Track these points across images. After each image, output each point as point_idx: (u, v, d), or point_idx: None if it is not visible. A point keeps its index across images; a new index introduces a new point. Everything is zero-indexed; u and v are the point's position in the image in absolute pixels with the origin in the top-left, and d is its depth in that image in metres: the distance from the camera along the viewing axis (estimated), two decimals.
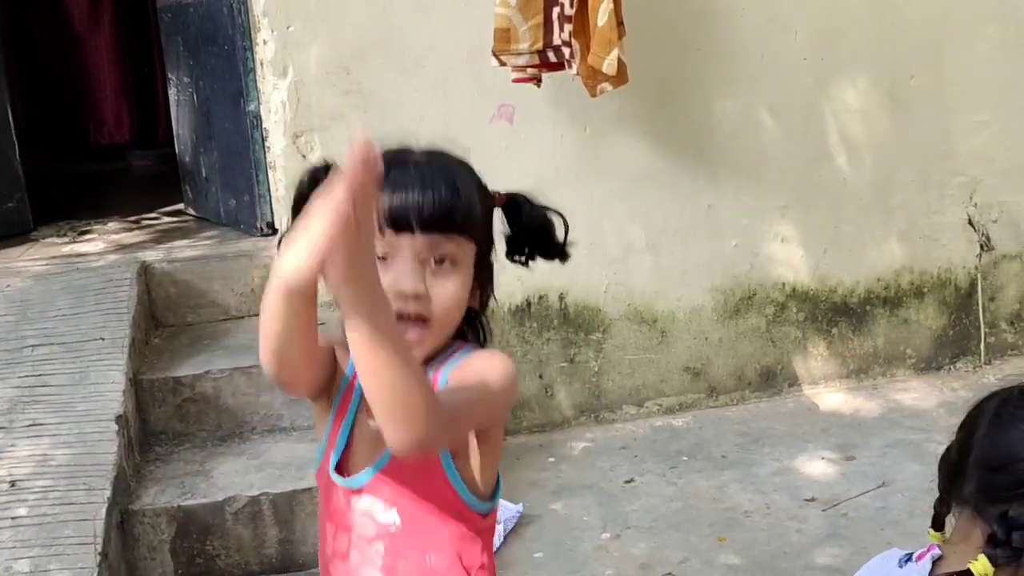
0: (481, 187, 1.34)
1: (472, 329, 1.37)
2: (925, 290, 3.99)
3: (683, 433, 3.66)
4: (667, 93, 3.60)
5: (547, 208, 1.40)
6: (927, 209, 3.93)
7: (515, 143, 3.51)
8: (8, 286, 3.30)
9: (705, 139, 3.69)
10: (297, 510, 2.73)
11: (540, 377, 3.68)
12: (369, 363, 1.05)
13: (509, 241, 1.41)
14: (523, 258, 1.41)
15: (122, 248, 3.78)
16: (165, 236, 3.97)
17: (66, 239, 3.97)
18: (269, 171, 3.55)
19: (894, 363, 4.00)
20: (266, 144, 3.52)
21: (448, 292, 1.25)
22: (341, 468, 1.33)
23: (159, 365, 3.14)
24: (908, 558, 1.34)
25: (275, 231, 3.61)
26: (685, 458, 3.46)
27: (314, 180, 1.26)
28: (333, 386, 1.35)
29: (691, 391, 3.83)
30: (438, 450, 1.24)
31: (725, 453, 3.47)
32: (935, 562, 1.31)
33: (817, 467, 3.32)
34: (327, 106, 3.39)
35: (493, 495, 1.34)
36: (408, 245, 1.23)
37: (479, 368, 1.26)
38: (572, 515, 3.09)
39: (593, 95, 3.11)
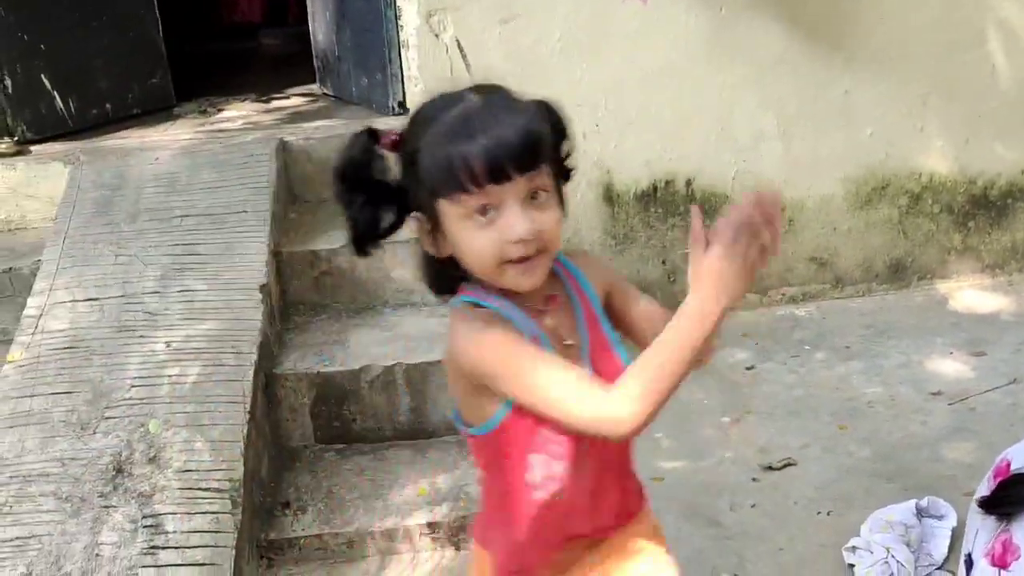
0: (537, 103, 1.31)
1: None
2: None
3: (806, 323, 3.64)
4: None
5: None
6: None
7: (646, 24, 3.45)
8: (157, 159, 3.45)
9: (843, 23, 3.56)
10: (428, 380, 2.84)
11: (663, 263, 3.69)
12: (693, 350, 1.20)
13: None
14: None
15: (259, 126, 3.90)
16: (299, 115, 4.06)
17: (206, 115, 4.11)
18: (402, 50, 3.57)
19: None
20: (399, 23, 3.54)
21: (552, 219, 1.28)
22: None
23: (297, 239, 3.26)
24: None
25: (407, 110, 3.66)
26: (808, 347, 3.45)
27: (366, 150, 1.31)
28: None
29: (816, 281, 3.80)
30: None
31: (849, 344, 3.45)
32: None
33: (945, 362, 3.28)
34: None
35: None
36: (511, 192, 1.24)
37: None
38: (693, 399, 3.13)
39: None
